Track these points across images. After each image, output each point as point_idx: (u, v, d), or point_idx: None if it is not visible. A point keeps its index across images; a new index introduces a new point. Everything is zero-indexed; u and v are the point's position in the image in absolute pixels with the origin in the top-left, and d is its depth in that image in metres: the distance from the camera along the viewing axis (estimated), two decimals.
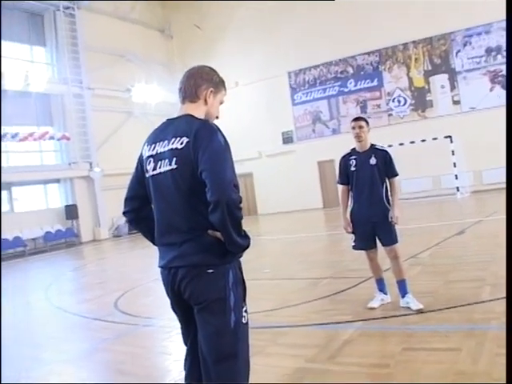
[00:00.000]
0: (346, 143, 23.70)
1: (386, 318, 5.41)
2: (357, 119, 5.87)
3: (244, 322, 2.66)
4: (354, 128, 5.78)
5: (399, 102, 24.65)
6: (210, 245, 2.56)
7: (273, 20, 26.98)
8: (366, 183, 5.71)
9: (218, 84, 2.87)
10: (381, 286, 5.94)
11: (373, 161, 5.71)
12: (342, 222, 5.95)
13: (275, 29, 26.95)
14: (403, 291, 5.66)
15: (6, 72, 21.31)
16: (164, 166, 2.66)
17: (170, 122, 2.80)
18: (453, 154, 20.96)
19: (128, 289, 9.66)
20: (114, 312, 7.67)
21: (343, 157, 5.97)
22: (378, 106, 25.19)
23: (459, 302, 5.52)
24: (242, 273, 2.73)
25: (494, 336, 4.47)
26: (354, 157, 5.85)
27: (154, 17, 30.59)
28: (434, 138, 21.03)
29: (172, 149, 2.63)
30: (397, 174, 5.81)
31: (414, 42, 24.33)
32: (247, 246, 2.59)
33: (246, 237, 2.59)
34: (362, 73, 25.65)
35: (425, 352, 4.30)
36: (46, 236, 22.68)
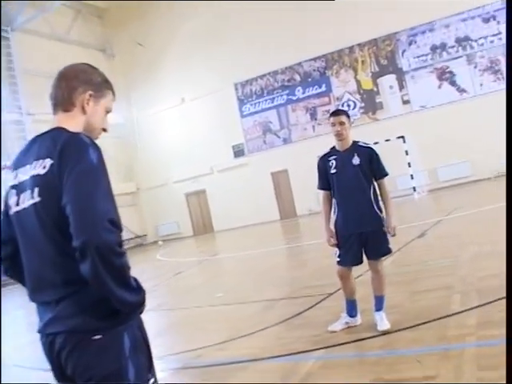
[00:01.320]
0: (298, 152, 23.26)
1: (349, 343, 4.76)
2: (336, 113, 5.08)
3: None
4: (333, 124, 4.97)
5: (349, 106, 24.32)
6: (94, 302, 1.86)
7: (216, 32, 26.40)
8: (350, 187, 4.94)
9: (101, 86, 2.16)
10: (351, 309, 5.16)
11: (356, 160, 4.93)
12: (324, 234, 5.10)
13: (219, 41, 26.37)
14: (378, 307, 5.00)
15: None
16: (27, 200, 1.96)
17: (35, 139, 2.09)
18: (407, 154, 20.71)
19: None
20: None
21: (321, 157, 5.17)
22: (328, 111, 24.76)
23: (428, 317, 4.90)
24: (144, 334, 2.01)
25: (471, 356, 3.89)
26: (333, 157, 5.05)
27: (93, 36, 29.70)
28: (387, 140, 20.73)
29: (34, 175, 1.94)
30: (386, 174, 5.06)
31: (359, 44, 24.13)
32: (141, 302, 1.90)
33: (138, 289, 1.89)
34: (310, 79, 25.30)
35: None
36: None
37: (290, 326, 5.76)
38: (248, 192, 25.92)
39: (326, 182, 5.13)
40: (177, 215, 28.63)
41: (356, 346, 4.69)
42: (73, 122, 2.07)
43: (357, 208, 4.93)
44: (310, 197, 24.09)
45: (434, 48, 22.75)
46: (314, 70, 25.22)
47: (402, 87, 23.46)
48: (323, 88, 25.02)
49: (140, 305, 1.90)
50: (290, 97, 25.76)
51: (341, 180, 5.00)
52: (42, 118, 24.49)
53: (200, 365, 5.18)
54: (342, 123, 4.98)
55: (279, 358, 4.82)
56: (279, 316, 6.24)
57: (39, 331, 2.01)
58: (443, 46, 22.51)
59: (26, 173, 1.99)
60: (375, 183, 5.07)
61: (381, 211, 5.01)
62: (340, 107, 24.36)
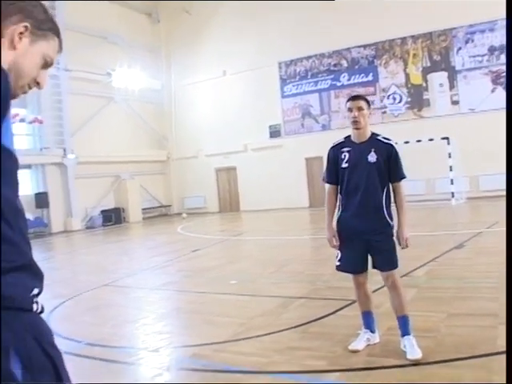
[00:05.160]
0: (335, 140, 22.24)
1: (370, 369, 4.03)
2: (355, 98, 4.43)
3: None
4: (350, 110, 4.34)
5: (394, 99, 23.25)
6: None
7: (265, 8, 25.42)
8: (361, 185, 4.29)
9: (44, 24, 1.47)
10: (368, 322, 4.51)
11: (372, 157, 4.29)
12: (326, 233, 4.48)
13: (267, 17, 25.45)
14: (404, 331, 4.27)
15: None
16: None
17: None
18: (449, 157, 19.64)
19: (72, 295, 8.25)
20: None
21: (333, 147, 4.54)
22: (372, 102, 23.67)
23: (470, 351, 4.13)
24: (46, 345, 1.25)
25: None
26: (347, 148, 4.41)
27: None
28: (430, 139, 19.72)
29: None
30: (403, 177, 4.39)
31: (412, 36, 22.93)
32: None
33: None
34: (357, 67, 24.22)
35: None
36: None
37: (304, 334, 5.03)
38: (279, 175, 25.10)
39: (334, 175, 4.50)
40: (204, 189, 28.04)
41: (378, 375, 3.95)
42: None
43: (364, 209, 4.30)
44: None
45: (492, 49, 21.48)
46: (363, 58, 24.15)
47: (452, 86, 22.25)
48: (370, 77, 23.94)
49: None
50: (334, 82, 24.74)
51: (352, 176, 4.36)
52: (79, 76, 24.09)
53: (191, 367, 4.52)
54: (360, 108, 4.32)
55: (286, 374, 4.12)
56: (295, 319, 5.53)
57: None
58: (502, 48, 21.18)
59: None
60: (390, 185, 4.38)
61: (391, 218, 4.33)
62: (385, 99, 23.40)
